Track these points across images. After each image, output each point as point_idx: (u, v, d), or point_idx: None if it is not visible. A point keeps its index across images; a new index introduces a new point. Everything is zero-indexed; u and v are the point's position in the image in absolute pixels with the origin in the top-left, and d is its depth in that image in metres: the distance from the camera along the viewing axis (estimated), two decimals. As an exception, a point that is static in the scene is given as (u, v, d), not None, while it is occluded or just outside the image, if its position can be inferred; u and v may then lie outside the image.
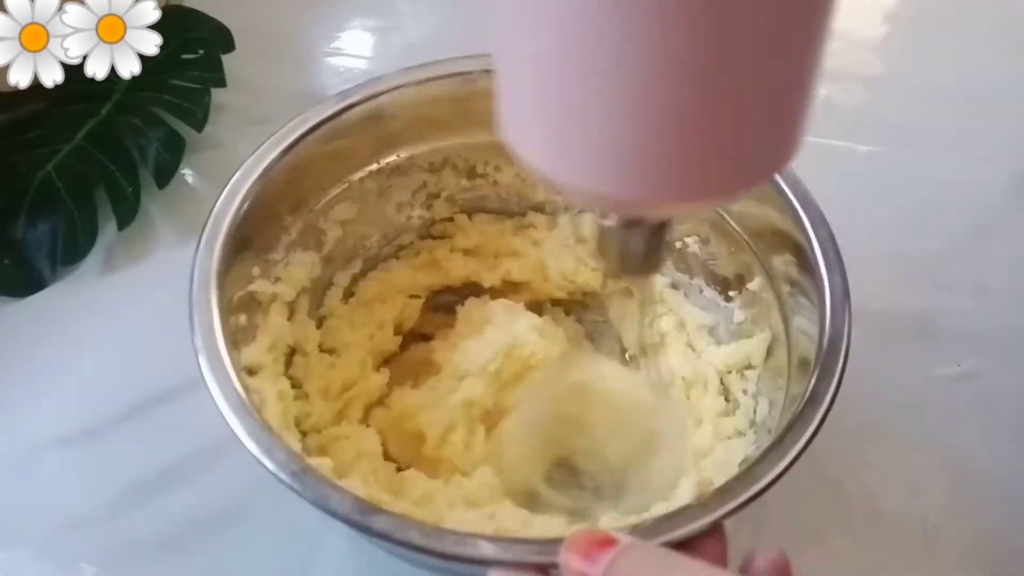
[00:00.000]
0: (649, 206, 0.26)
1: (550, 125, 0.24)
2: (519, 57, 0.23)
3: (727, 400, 0.44)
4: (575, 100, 0.23)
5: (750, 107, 0.23)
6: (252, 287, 0.41)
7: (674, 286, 0.48)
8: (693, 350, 0.46)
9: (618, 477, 0.41)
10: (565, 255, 0.49)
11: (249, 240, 0.40)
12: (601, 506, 0.39)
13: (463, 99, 0.44)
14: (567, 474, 0.42)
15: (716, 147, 0.23)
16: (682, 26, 0.20)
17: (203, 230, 0.38)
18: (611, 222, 0.29)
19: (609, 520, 0.37)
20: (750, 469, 0.32)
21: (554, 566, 0.29)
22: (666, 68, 0.21)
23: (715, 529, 0.31)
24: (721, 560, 0.31)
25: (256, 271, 0.41)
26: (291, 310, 0.44)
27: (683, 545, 0.30)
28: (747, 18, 0.21)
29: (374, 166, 0.46)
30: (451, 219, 0.50)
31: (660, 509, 0.38)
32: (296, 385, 0.43)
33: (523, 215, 0.50)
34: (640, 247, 0.29)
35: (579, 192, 0.25)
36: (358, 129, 0.43)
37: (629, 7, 0.20)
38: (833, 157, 0.59)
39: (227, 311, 0.37)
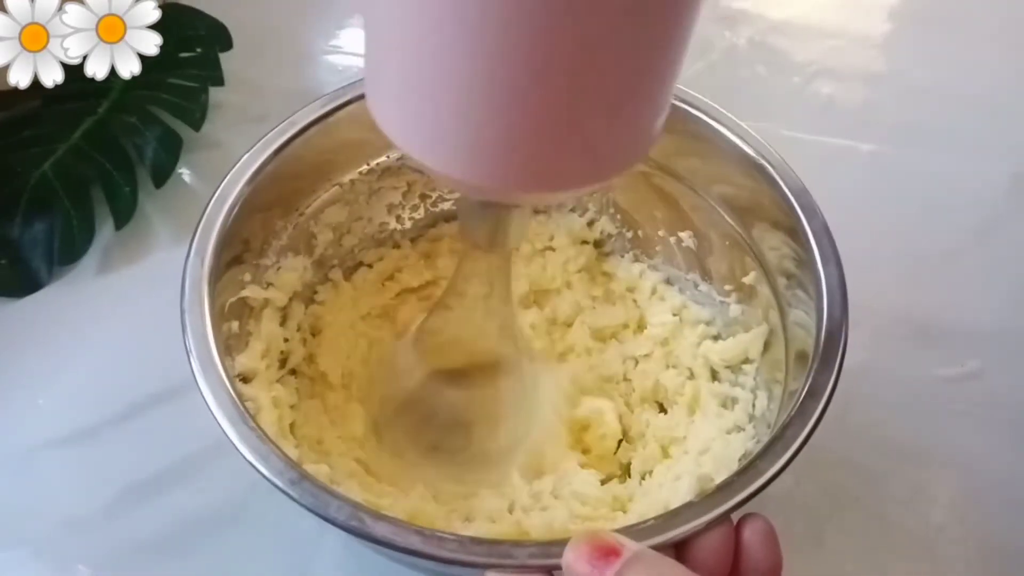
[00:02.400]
0: (491, 192, 0.27)
1: (404, 102, 0.24)
2: (378, 29, 0.24)
3: (725, 395, 0.44)
4: (425, 83, 0.23)
5: (591, 106, 0.23)
6: (244, 293, 0.41)
7: (669, 281, 0.48)
8: (690, 345, 0.46)
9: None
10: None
11: (240, 245, 0.40)
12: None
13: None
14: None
15: (558, 141, 0.23)
16: (523, 16, 0.21)
17: (193, 237, 0.38)
18: (465, 204, 0.31)
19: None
20: (751, 464, 0.32)
21: (556, 568, 0.29)
22: (508, 58, 0.21)
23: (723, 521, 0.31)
24: (729, 552, 0.31)
25: (247, 277, 0.41)
26: (283, 316, 0.44)
27: (688, 540, 0.30)
28: (589, 14, 0.21)
29: (364, 167, 0.45)
30: (443, 220, 0.50)
31: (660, 508, 0.38)
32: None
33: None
34: (490, 224, 0.31)
35: (428, 170, 0.26)
36: (348, 130, 0.43)
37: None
38: (835, 156, 0.59)
39: (219, 318, 0.37)
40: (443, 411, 0.42)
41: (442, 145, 0.24)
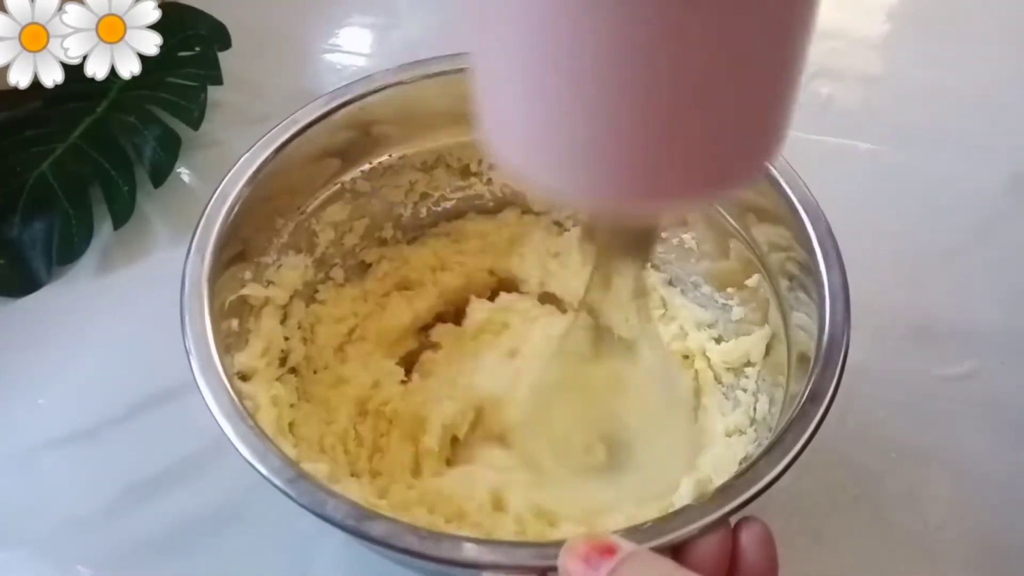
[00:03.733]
0: (630, 208, 0.26)
1: (531, 127, 0.23)
2: (495, 56, 0.23)
3: (727, 397, 0.44)
4: (554, 104, 0.22)
5: (726, 108, 0.22)
6: (244, 291, 0.41)
7: (671, 283, 0.48)
8: (692, 347, 0.46)
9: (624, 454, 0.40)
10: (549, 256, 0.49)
11: (240, 244, 0.40)
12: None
13: (456, 97, 0.43)
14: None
15: (695, 148, 0.23)
16: (653, 28, 0.20)
17: (193, 235, 0.38)
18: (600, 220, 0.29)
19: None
20: (751, 467, 0.32)
21: (552, 569, 0.29)
22: (639, 71, 0.21)
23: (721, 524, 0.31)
24: (726, 555, 0.31)
25: (248, 275, 0.41)
26: (284, 314, 0.44)
27: (686, 543, 0.30)
28: (718, 20, 0.20)
29: (366, 166, 0.45)
30: (444, 219, 0.50)
31: (658, 510, 0.38)
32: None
33: (518, 214, 0.50)
34: (630, 240, 0.30)
35: (563, 196, 0.25)
36: (349, 129, 0.43)
37: (600, 10, 0.20)
38: (834, 156, 0.59)
39: (219, 316, 0.37)
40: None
41: (575, 167, 0.23)
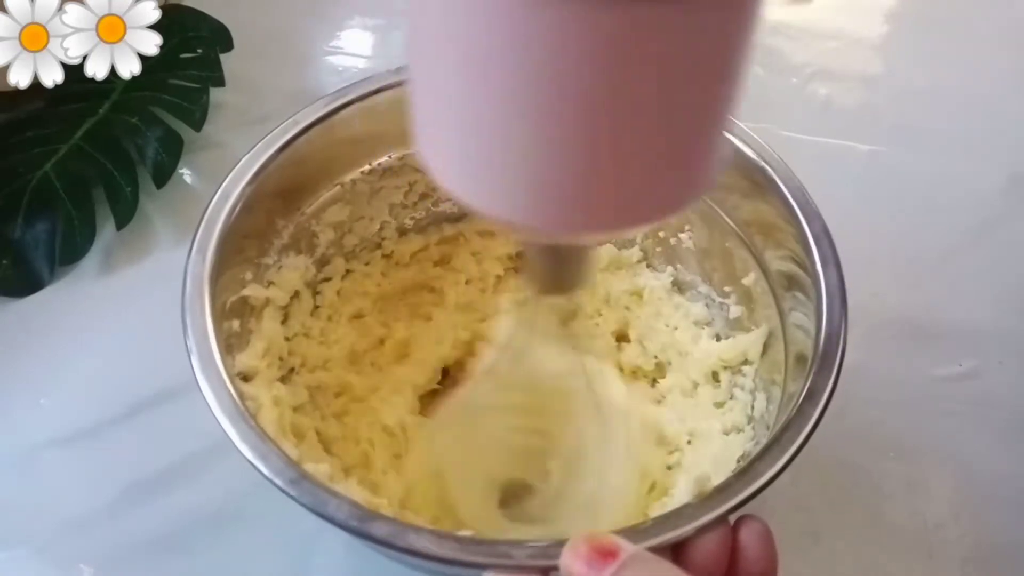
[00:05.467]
0: (553, 235, 0.26)
1: (460, 149, 0.23)
2: (429, 75, 0.23)
3: (725, 396, 0.44)
4: (483, 128, 0.22)
5: (656, 144, 0.22)
6: (245, 292, 0.41)
7: (672, 283, 0.48)
8: (689, 346, 0.46)
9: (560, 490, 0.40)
10: None
11: (241, 244, 0.40)
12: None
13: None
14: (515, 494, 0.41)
15: (624, 181, 0.23)
16: (584, 63, 0.20)
17: (195, 235, 0.38)
18: (532, 249, 0.29)
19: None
20: (749, 466, 0.32)
21: (554, 569, 0.29)
22: (570, 104, 0.21)
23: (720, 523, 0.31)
24: (725, 553, 0.31)
25: (249, 276, 0.41)
26: (284, 314, 0.44)
27: (686, 541, 0.30)
28: (649, 60, 0.20)
29: (366, 167, 0.46)
30: (445, 220, 0.50)
31: (656, 509, 0.39)
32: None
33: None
34: (561, 267, 0.29)
35: (488, 217, 0.25)
36: (349, 130, 0.43)
37: (530, 43, 0.20)
38: (833, 156, 0.59)
39: (220, 317, 0.37)
40: (519, 447, 0.41)
41: (511, 194, 0.24)
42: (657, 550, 0.29)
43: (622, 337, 0.48)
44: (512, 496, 0.40)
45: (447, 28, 0.21)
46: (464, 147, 0.23)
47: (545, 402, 0.40)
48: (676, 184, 0.24)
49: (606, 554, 0.27)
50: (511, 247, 0.50)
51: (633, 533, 0.30)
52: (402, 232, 0.49)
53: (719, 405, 0.44)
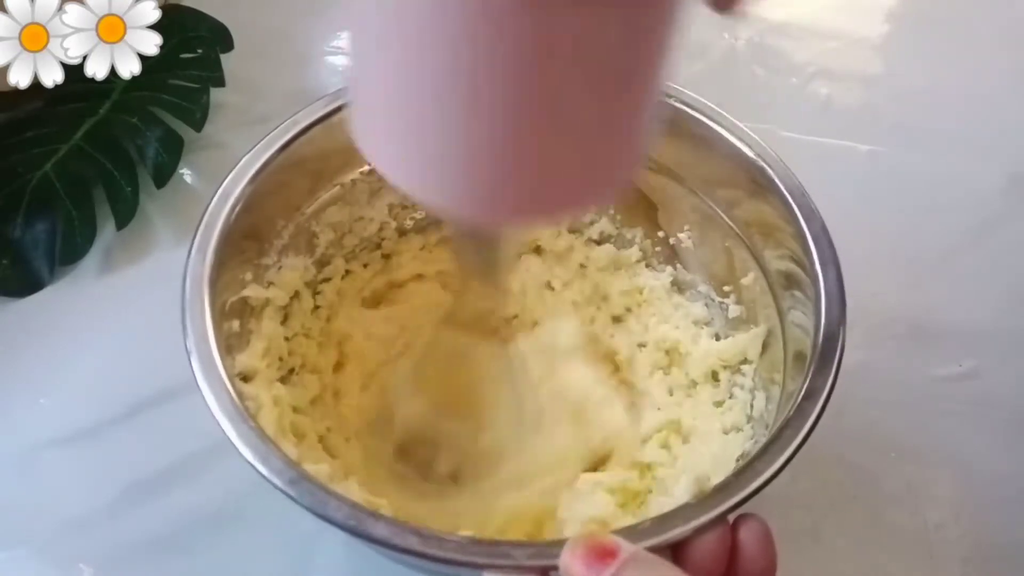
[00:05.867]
0: (473, 218, 0.26)
1: (388, 131, 0.24)
2: (364, 54, 0.24)
3: (724, 396, 0.44)
4: (411, 111, 0.23)
5: (575, 135, 0.23)
6: (245, 292, 0.41)
7: (671, 282, 0.48)
8: (689, 345, 0.46)
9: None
10: None
11: (241, 245, 0.40)
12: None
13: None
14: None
15: (543, 169, 0.23)
16: (508, 49, 0.21)
17: (195, 235, 0.38)
18: (459, 232, 0.30)
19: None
20: (748, 465, 0.32)
21: (553, 568, 0.29)
22: (493, 89, 0.21)
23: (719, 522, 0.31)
24: (725, 553, 0.31)
25: (248, 276, 0.41)
26: (284, 315, 0.44)
27: (685, 540, 0.31)
28: (570, 48, 0.21)
29: (365, 167, 0.46)
30: (443, 221, 0.50)
31: (656, 508, 0.39)
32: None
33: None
34: (483, 256, 0.31)
35: (422, 201, 0.26)
36: (349, 130, 0.43)
37: (457, 24, 0.21)
38: (833, 156, 0.59)
39: (220, 317, 0.37)
40: (448, 440, 0.42)
41: (430, 174, 0.24)
42: (656, 550, 0.29)
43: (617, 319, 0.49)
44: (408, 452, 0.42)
45: (376, 5, 0.22)
46: (392, 129, 0.24)
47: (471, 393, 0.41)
48: (597, 173, 0.25)
49: (605, 554, 0.27)
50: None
51: (632, 532, 0.30)
52: (402, 232, 0.49)
53: (718, 404, 0.44)
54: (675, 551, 0.31)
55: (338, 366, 0.46)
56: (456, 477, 0.41)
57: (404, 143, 0.24)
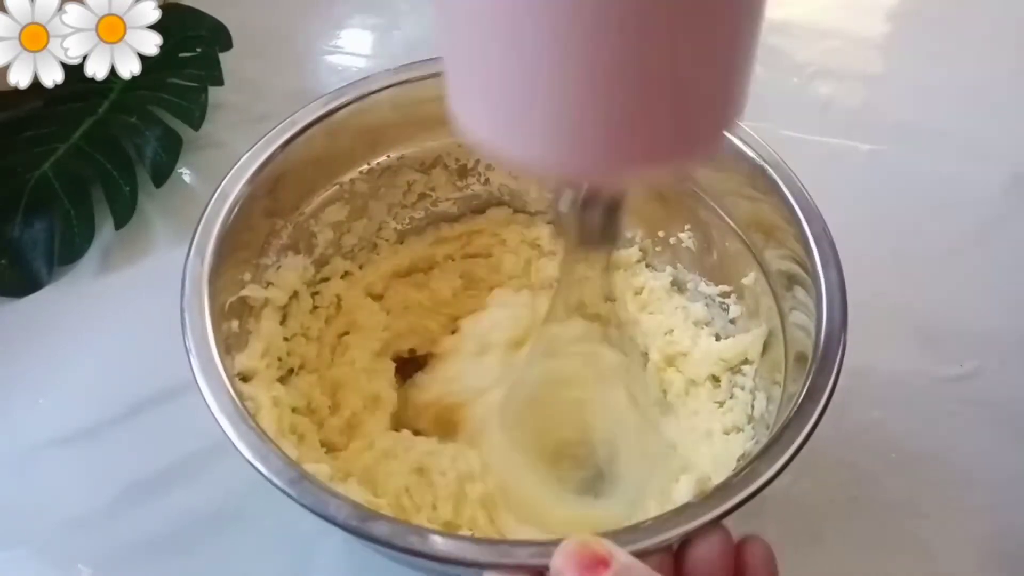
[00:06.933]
0: (590, 176, 0.27)
1: (495, 97, 0.24)
2: (460, 26, 0.24)
3: (725, 396, 0.44)
4: (516, 73, 0.23)
5: (683, 78, 0.23)
6: (244, 292, 0.41)
7: (669, 282, 0.48)
8: (689, 345, 0.46)
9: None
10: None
11: (240, 244, 0.40)
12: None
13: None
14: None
15: (654, 116, 0.23)
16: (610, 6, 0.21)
17: (193, 235, 0.38)
18: (566, 201, 0.30)
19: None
20: (749, 465, 0.32)
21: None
22: (598, 39, 0.22)
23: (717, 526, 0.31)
24: (723, 556, 0.31)
25: (247, 276, 0.41)
26: (283, 315, 0.44)
27: (684, 548, 0.30)
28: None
29: (364, 167, 0.46)
30: (443, 221, 0.50)
31: (657, 508, 0.39)
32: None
33: (514, 213, 0.50)
34: (596, 221, 0.30)
35: (528, 166, 0.25)
36: (348, 130, 0.43)
37: None
38: (835, 156, 0.59)
39: (219, 317, 0.37)
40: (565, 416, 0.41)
41: (544, 136, 0.24)
42: (657, 550, 0.29)
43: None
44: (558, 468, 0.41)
45: None
46: (497, 92, 0.24)
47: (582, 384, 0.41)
48: (704, 119, 0.25)
49: (598, 562, 0.27)
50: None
51: (634, 532, 0.30)
52: (401, 232, 0.49)
53: (719, 405, 0.44)
54: (676, 558, 0.31)
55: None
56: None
57: (511, 106, 0.24)
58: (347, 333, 0.47)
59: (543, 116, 0.23)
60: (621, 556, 0.27)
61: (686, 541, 0.30)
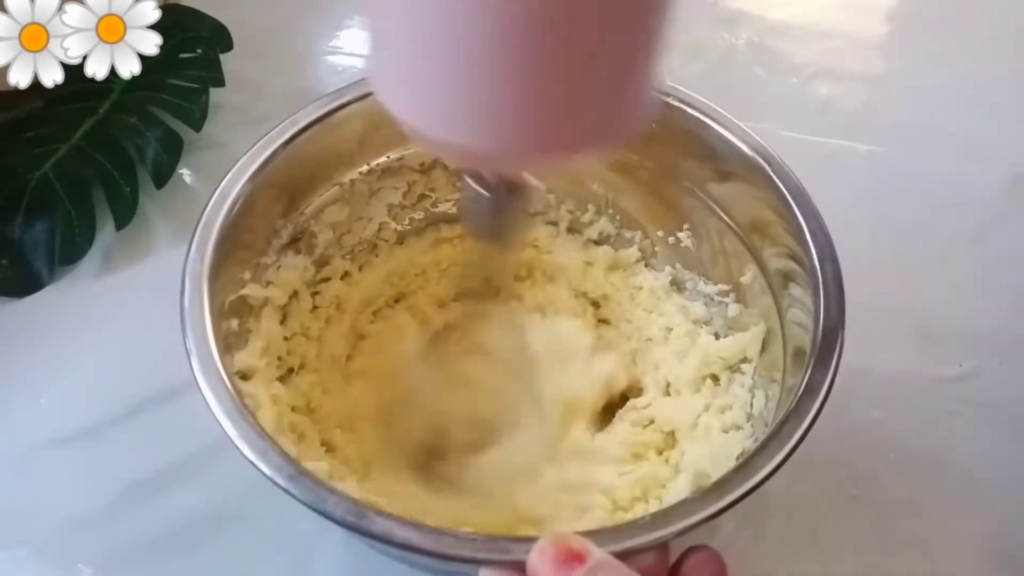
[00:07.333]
0: (505, 158, 0.27)
1: (419, 80, 0.25)
2: (383, 12, 0.25)
3: (724, 394, 0.44)
4: (431, 51, 0.24)
5: (590, 72, 0.24)
6: (244, 291, 0.41)
7: (671, 282, 0.48)
8: (688, 344, 0.46)
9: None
10: None
11: (240, 244, 0.40)
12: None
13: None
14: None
15: (561, 104, 0.24)
16: None
17: (193, 235, 0.38)
18: (472, 191, 0.31)
19: None
20: (747, 462, 0.32)
21: None
22: (510, 25, 0.22)
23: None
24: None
25: (247, 275, 0.41)
26: (283, 314, 0.44)
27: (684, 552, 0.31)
28: None
29: (364, 167, 0.46)
30: (443, 222, 0.50)
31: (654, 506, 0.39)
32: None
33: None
34: (498, 214, 0.32)
35: (435, 143, 0.26)
36: (348, 130, 0.43)
37: None
38: (834, 156, 0.59)
39: (219, 316, 0.37)
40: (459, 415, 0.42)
41: (451, 112, 0.25)
42: (653, 546, 0.29)
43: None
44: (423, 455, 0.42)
45: None
46: (419, 77, 0.25)
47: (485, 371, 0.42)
48: (605, 114, 0.26)
49: (573, 558, 0.27)
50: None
51: (631, 528, 0.30)
52: (401, 233, 0.49)
53: (718, 403, 0.43)
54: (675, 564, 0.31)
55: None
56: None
57: (432, 89, 0.25)
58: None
59: (465, 98, 0.24)
60: (596, 552, 0.27)
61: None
